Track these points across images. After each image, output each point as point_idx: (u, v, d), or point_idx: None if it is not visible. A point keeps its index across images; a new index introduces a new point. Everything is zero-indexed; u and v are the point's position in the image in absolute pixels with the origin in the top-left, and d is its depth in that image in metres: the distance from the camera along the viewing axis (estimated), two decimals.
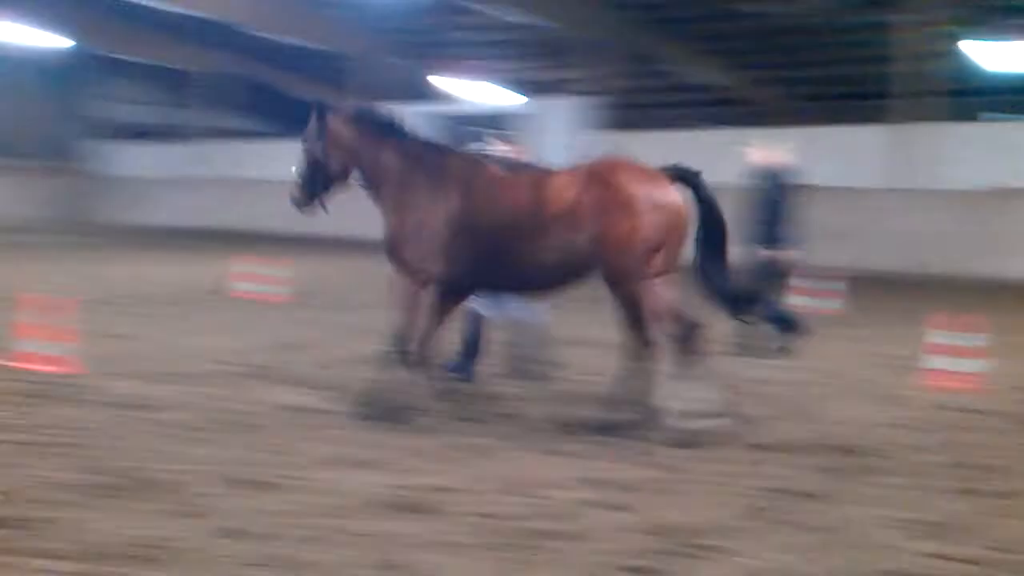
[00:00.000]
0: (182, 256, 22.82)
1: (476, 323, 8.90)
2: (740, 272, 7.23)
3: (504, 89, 32.07)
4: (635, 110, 33.73)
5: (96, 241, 27.48)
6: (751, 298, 7.38)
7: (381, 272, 8.71)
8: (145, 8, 30.95)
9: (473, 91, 31.87)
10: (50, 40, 33.21)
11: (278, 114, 44.90)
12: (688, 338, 6.97)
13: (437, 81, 32.21)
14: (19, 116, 39.32)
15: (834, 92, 31.00)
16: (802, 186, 11.13)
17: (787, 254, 10.84)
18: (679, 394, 6.96)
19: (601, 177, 7.02)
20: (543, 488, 5.76)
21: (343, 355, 10.07)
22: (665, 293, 6.96)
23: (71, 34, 34.13)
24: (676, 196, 7.00)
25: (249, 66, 37.71)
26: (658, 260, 6.89)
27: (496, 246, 7.14)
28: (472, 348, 8.89)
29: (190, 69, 37.19)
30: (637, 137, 27.57)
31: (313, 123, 7.64)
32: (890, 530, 5.25)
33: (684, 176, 7.14)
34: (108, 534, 4.80)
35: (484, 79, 32.27)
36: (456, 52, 32.66)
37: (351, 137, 7.61)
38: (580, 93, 28.86)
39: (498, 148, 8.68)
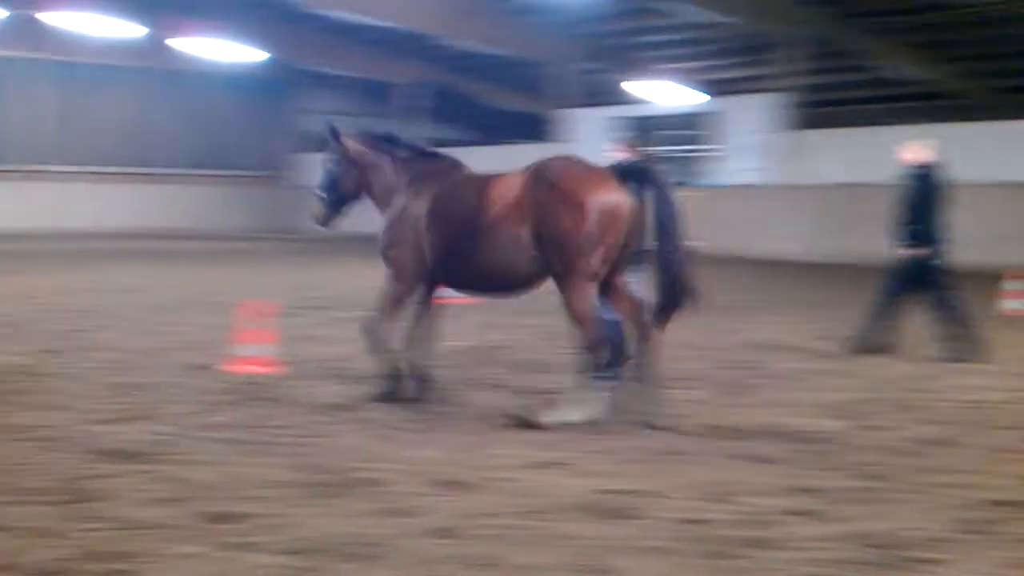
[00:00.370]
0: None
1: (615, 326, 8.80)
2: (685, 265, 7.18)
3: (694, 90, 31.73)
4: (829, 107, 32.87)
5: (303, 248, 28.56)
6: (687, 292, 7.25)
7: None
8: (347, 24, 32.09)
9: (664, 93, 31.64)
10: (256, 56, 34.98)
11: (476, 123, 45.78)
12: (592, 350, 7.17)
13: (630, 85, 32.12)
14: (230, 129, 41.35)
15: None
16: (949, 185, 10.57)
17: (925, 253, 10.38)
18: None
19: (544, 177, 7.21)
20: (745, 495, 5.61)
21: (538, 359, 10.12)
22: (589, 299, 7.13)
23: (277, 50, 35.83)
24: (617, 195, 7.05)
25: (447, 76, 38.47)
26: (596, 259, 6.99)
27: (454, 246, 7.49)
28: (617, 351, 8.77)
29: (390, 81, 38.23)
30: (830, 135, 26.82)
31: (329, 143, 8.28)
32: None
33: (631, 173, 7.24)
34: (321, 531, 4.92)
35: (675, 80, 32.01)
36: (647, 54, 32.49)
37: (356, 152, 8.21)
38: (771, 91, 28.24)
39: (616, 152, 8.63)
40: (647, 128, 32.81)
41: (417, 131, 39.34)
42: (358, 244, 30.06)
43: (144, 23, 33.85)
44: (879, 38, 27.74)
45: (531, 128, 38.52)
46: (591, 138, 31.94)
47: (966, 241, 21.84)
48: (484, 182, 7.55)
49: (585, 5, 28.58)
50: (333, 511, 5.26)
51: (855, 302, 15.40)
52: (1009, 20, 25.62)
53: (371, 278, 18.43)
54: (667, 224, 7.17)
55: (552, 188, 7.11)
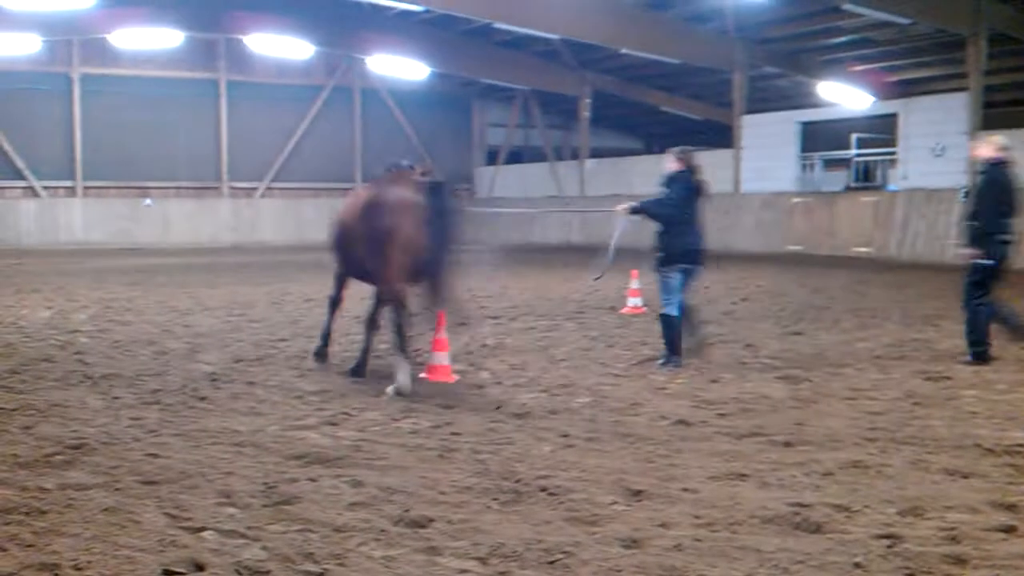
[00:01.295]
0: (570, 271, 23.50)
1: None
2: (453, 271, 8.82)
3: (876, 91, 30.79)
4: (1018, 107, 31.29)
5: (487, 258, 28.92)
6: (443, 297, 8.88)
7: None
8: (526, 37, 32.44)
9: (846, 96, 30.79)
10: (426, 72, 35.93)
11: (656, 132, 45.57)
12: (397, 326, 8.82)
13: (813, 88, 31.39)
14: (418, 144, 42.32)
15: None
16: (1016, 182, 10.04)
17: (976, 253, 9.97)
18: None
19: (375, 189, 9.14)
20: (947, 511, 5.39)
21: (717, 368, 10.00)
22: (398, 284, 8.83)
23: (449, 66, 36.63)
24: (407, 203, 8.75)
25: (622, 86, 38.43)
26: (397, 253, 8.66)
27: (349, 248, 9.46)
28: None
29: (570, 93, 38.46)
30: (1017, 135, 25.55)
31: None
32: None
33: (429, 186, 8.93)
34: (509, 537, 4.98)
35: (855, 83, 31.11)
36: (825, 57, 31.69)
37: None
38: (955, 91, 27.13)
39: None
40: (828, 132, 32.03)
41: (590, 140, 39.46)
42: (532, 253, 30.53)
43: (325, 43, 35.20)
44: None
45: (712, 135, 38.09)
46: (769, 144, 31.38)
47: None
48: (357, 195, 9.88)
49: (759, 10, 28.10)
50: (518, 517, 5.31)
51: None
52: None
53: (548, 286, 18.59)
54: (440, 236, 8.73)
55: (373, 198, 9.07)
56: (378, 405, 8.21)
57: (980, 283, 10.08)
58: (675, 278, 9.96)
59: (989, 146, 10.27)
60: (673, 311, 10.00)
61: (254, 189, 39.51)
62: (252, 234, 38.53)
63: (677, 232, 9.90)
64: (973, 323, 10.21)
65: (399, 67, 36.75)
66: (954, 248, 10.18)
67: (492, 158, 43.77)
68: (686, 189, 10.03)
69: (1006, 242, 9.96)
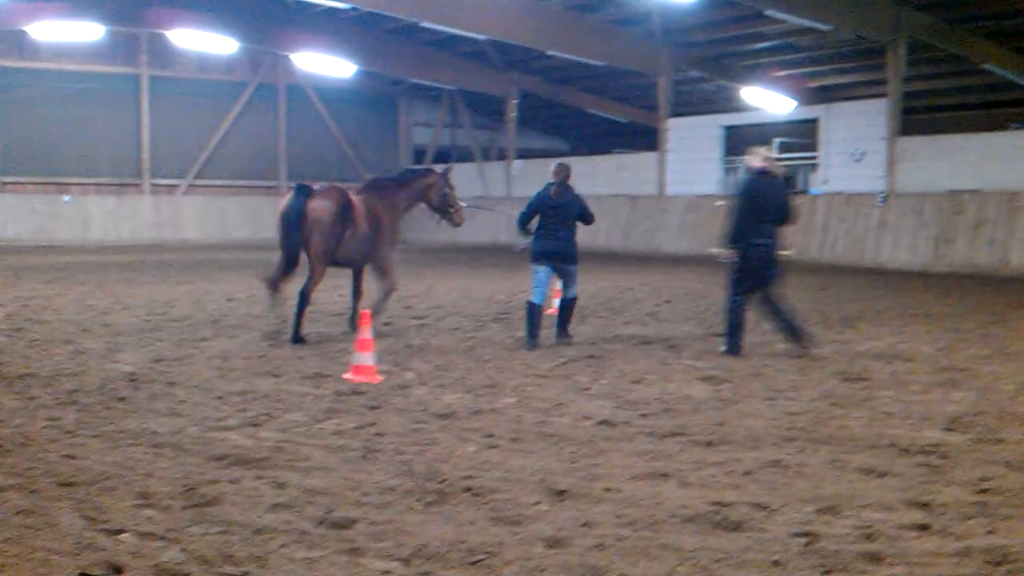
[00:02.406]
0: (498, 272, 23.55)
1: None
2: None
3: (797, 96, 31.30)
4: (933, 113, 32.07)
5: (413, 258, 28.89)
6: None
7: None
8: (454, 37, 32.39)
9: (771, 100, 31.25)
10: (351, 70, 35.71)
11: (580, 133, 45.82)
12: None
13: (737, 92, 31.80)
14: (344, 142, 42.02)
15: None
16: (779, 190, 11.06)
17: (727, 254, 10.96)
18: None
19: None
20: (863, 509, 5.50)
21: (641, 369, 10.10)
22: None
23: (378, 65, 36.42)
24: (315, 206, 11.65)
25: (550, 88, 38.56)
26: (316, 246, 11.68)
27: None
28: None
29: (497, 93, 38.48)
30: (933, 141, 26.19)
31: None
32: None
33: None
34: (432, 537, 4.98)
35: (778, 88, 31.58)
36: (750, 62, 32.13)
37: None
38: (875, 97, 27.70)
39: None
40: (752, 136, 32.48)
41: (517, 141, 39.56)
42: (466, 254, 30.54)
43: (249, 39, 34.79)
44: (987, 42, 27.00)
45: (637, 138, 38.39)
46: (693, 147, 31.73)
47: None
48: None
49: (685, 14, 28.40)
50: (442, 518, 5.31)
51: (964, 311, 15.06)
52: None
53: (475, 287, 18.60)
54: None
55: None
56: (301, 406, 8.15)
57: (737, 281, 10.95)
58: (539, 272, 11.57)
59: (756, 157, 11.04)
60: (534, 299, 11.53)
61: (176, 186, 38.90)
62: (174, 232, 37.96)
63: (537, 235, 11.62)
64: (730, 317, 11.04)
65: (325, 65, 36.41)
66: (713, 248, 10.96)
67: (419, 157, 43.63)
68: (537, 198, 11.63)
69: (759, 245, 10.69)
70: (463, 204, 13.18)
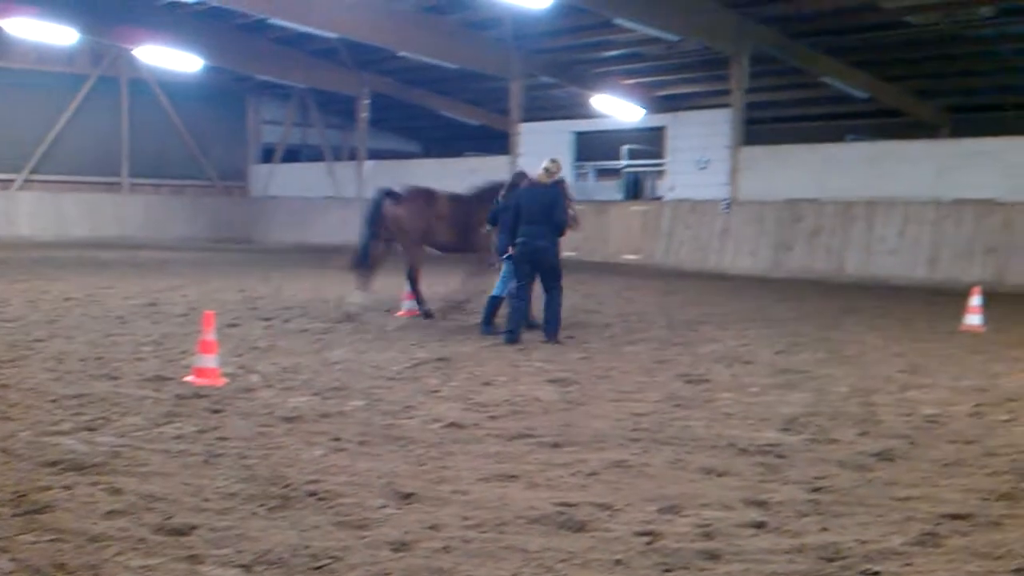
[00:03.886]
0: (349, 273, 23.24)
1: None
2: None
3: (645, 104, 31.96)
4: (778, 123, 33.24)
5: (263, 259, 28.35)
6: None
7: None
8: (304, 35, 31.93)
9: (618, 108, 31.80)
10: (198, 65, 34.79)
11: (435, 136, 45.78)
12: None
13: (588, 99, 32.26)
14: (188, 139, 41.02)
15: (1008, 103, 29.81)
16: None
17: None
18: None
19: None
20: (698, 508, 5.64)
21: (491, 371, 10.14)
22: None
23: (225, 60, 35.63)
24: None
25: (402, 89, 38.40)
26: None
27: None
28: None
29: (349, 93, 38.11)
30: (777, 151, 27.15)
31: None
32: None
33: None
34: (275, 543, 4.88)
35: (628, 96, 32.16)
36: (600, 70, 32.64)
37: None
38: (720, 107, 28.53)
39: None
40: (602, 142, 33.04)
41: (368, 142, 39.32)
42: (314, 255, 30.12)
43: (90, 31, 33.51)
44: (826, 56, 28.12)
45: (489, 141, 38.56)
46: (544, 152, 32.02)
47: (932, 258, 22.66)
48: None
49: (536, 20, 28.68)
50: (284, 523, 5.21)
51: (801, 316, 15.63)
52: (953, 40, 26.05)
53: (325, 287, 18.38)
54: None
55: None
56: (140, 409, 7.89)
57: (512, 274, 12.61)
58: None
59: (542, 166, 12.49)
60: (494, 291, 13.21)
61: (11, 181, 37.29)
62: (8, 228, 36.29)
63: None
64: (511, 310, 12.39)
65: (170, 59, 35.23)
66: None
67: (268, 156, 42.91)
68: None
69: (522, 242, 12.10)
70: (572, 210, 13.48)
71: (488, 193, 14.28)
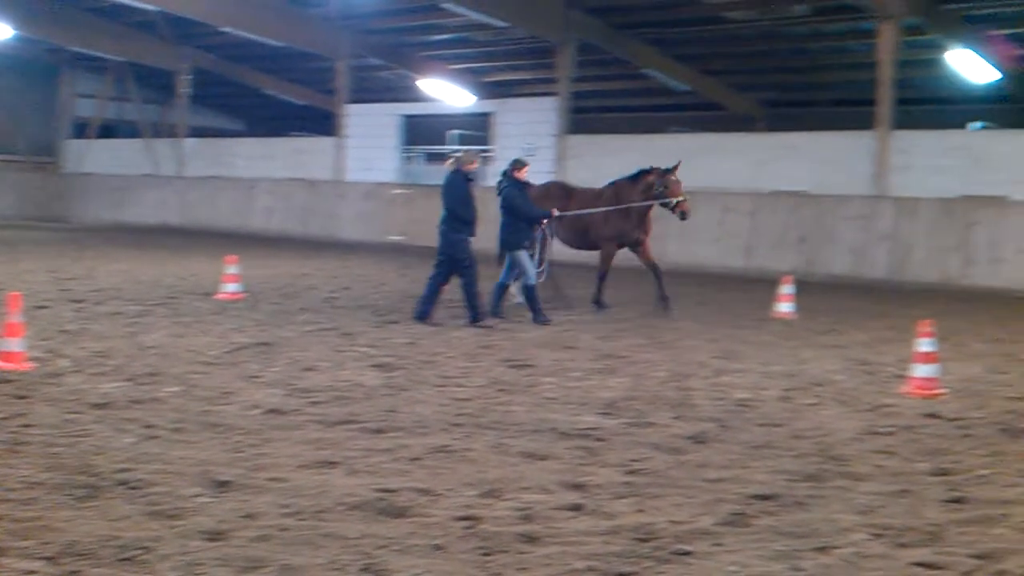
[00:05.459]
0: (166, 254, 22.55)
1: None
2: None
3: (475, 90, 32.06)
4: (601, 113, 33.89)
5: (77, 238, 27.19)
6: None
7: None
8: (122, 6, 30.67)
9: (445, 92, 31.79)
10: (7, 33, 32.96)
11: (256, 114, 44.75)
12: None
13: (417, 83, 32.13)
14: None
15: (821, 99, 31.18)
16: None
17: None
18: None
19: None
20: (516, 492, 5.70)
21: (314, 356, 10.01)
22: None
23: (36, 30, 33.93)
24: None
25: (226, 65, 37.40)
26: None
27: None
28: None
29: (168, 68, 36.83)
30: (599, 140, 27.69)
31: None
32: (876, 538, 5.20)
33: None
34: (82, 534, 4.70)
35: (455, 80, 32.18)
36: (428, 53, 32.56)
37: None
38: (546, 95, 28.88)
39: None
40: (430, 127, 32.97)
41: (196, 120, 38.18)
42: (131, 235, 29.08)
43: None
44: (649, 49, 28.76)
45: (316, 122, 37.94)
46: (372, 134, 31.79)
47: (748, 247, 23.46)
48: None
49: (366, 1, 28.39)
50: (95, 513, 5.02)
51: (623, 303, 15.99)
52: (770, 36, 27.04)
53: (141, 269, 17.77)
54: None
55: None
56: None
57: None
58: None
59: (456, 161, 13.25)
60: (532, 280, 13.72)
61: None
62: None
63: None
64: (466, 294, 12.82)
65: None
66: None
67: (81, 131, 41.12)
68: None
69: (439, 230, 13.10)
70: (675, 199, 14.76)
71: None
